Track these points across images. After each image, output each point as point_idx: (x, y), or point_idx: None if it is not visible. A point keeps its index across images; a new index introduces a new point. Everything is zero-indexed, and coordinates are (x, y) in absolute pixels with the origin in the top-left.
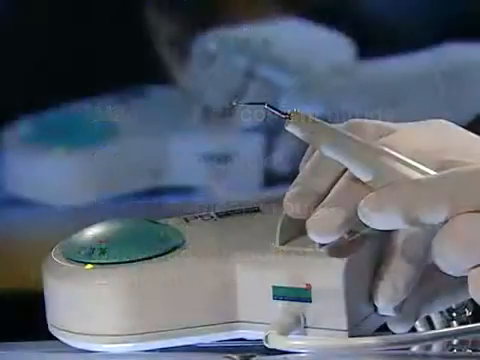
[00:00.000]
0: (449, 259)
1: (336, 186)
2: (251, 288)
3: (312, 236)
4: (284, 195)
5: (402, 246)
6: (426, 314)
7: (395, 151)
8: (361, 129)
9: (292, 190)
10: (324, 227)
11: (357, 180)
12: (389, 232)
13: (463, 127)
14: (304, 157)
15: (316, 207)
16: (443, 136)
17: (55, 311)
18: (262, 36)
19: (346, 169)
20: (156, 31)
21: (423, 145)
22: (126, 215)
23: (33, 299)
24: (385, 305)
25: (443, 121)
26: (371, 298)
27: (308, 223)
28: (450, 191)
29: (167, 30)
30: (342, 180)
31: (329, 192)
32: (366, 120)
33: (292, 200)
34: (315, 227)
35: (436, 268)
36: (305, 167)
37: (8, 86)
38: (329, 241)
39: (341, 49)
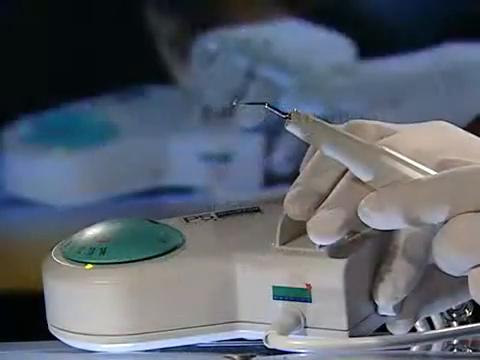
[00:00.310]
0: (449, 259)
1: (337, 187)
2: (251, 288)
3: (312, 238)
4: (284, 195)
5: (403, 246)
6: (426, 315)
7: (395, 151)
8: (361, 130)
9: (292, 191)
10: (324, 229)
11: (358, 181)
12: (390, 232)
13: (463, 127)
14: (305, 158)
15: (317, 208)
16: (443, 137)
17: (55, 311)
18: (262, 36)
19: (347, 169)
20: (156, 31)
21: (423, 146)
22: (126, 215)
23: (33, 299)
24: (385, 304)
25: (443, 122)
26: (371, 298)
27: (308, 225)
28: (450, 191)
29: (167, 30)
30: (343, 181)
31: (330, 192)
32: (366, 121)
33: (292, 201)
34: (315, 229)
35: (436, 268)
36: (306, 168)
37: (8, 86)
38: (330, 243)
39: (341, 49)
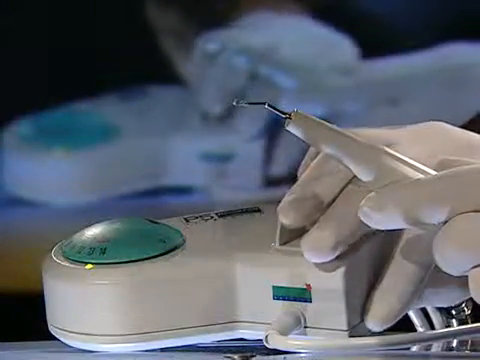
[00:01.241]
0: (449, 259)
1: (332, 205)
2: (251, 288)
3: (306, 257)
4: (284, 195)
5: (406, 254)
6: (423, 306)
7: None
8: None
9: (287, 198)
10: (317, 249)
11: (354, 198)
12: (392, 232)
13: (462, 125)
14: (303, 161)
15: (310, 215)
16: (440, 143)
17: (55, 311)
18: (263, 36)
19: (345, 176)
20: (158, 31)
21: (422, 157)
22: (126, 215)
23: (33, 299)
24: (377, 327)
25: (441, 124)
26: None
27: (302, 243)
28: (450, 191)
29: (169, 30)
30: (338, 198)
31: (327, 200)
32: (361, 130)
33: (286, 209)
34: (308, 248)
35: (436, 267)
36: (304, 174)
37: (8, 86)
38: (324, 261)
39: (342, 49)
